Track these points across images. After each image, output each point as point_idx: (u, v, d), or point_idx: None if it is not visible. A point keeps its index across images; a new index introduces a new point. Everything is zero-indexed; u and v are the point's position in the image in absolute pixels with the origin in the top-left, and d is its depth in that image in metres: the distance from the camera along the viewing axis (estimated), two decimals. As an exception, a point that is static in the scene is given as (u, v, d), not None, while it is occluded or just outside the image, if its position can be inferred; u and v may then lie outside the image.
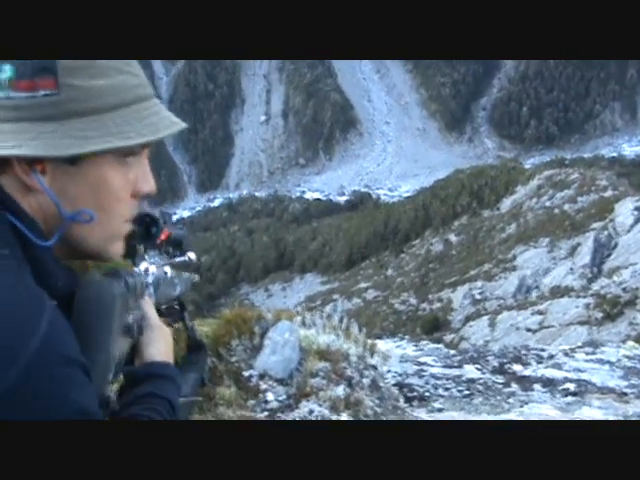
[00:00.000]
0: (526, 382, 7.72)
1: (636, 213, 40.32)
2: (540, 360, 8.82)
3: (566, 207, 51.96)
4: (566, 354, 9.28)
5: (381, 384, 5.34)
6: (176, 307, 1.86)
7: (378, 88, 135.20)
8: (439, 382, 7.45)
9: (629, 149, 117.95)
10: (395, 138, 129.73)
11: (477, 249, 56.73)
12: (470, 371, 8.06)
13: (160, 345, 1.57)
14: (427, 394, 7.01)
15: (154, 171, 1.39)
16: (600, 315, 30.69)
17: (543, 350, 9.57)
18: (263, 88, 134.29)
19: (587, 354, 9.43)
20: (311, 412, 4.33)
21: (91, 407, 1.13)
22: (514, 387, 7.52)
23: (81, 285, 1.33)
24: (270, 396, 4.51)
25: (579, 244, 42.14)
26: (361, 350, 5.57)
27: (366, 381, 5.06)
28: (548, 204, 55.11)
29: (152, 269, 1.67)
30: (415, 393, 6.97)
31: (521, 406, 6.80)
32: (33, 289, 1.14)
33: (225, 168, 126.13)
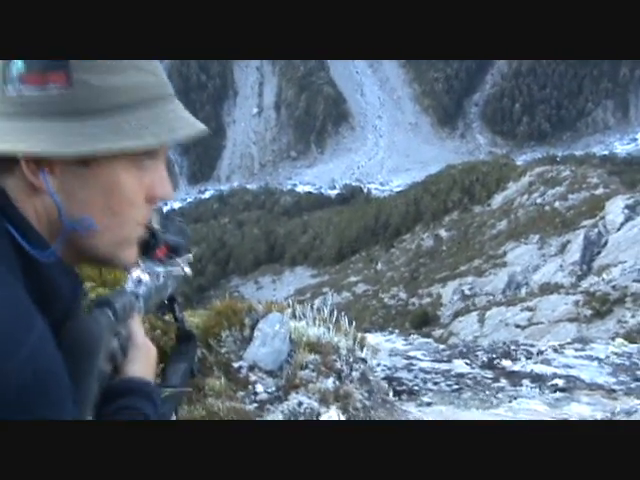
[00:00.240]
0: (515, 377, 7.74)
1: (626, 211, 40.45)
2: (529, 356, 8.85)
3: (557, 204, 52.13)
4: (555, 350, 9.30)
5: (370, 377, 5.34)
6: (165, 302, 1.82)
7: (371, 82, 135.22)
8: (428, 376, 7.46)
9: (621, 147, 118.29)
10: (387, 132, 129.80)
11: (467, 245, 56.89)
12: (459, 366, 8.08)
13: (142, 364, 1.52)
14: (416, 388, 7.01)
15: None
16: (589, 312, 30.78)
17: (532, 346, 9.59)
18: (256, 80, 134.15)
19: (576, 350, 9.45)
20: (300, 404, 4.32)
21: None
22: (503, 382, 7.54)
23: (67, 324, 1.26)
24: (259, 388, 4.50)
25: (569, 241, 42.29)
26: (351, 343, 5.57)
27: (355, 374, 5.06)
28: (539, 201, 55.29)
29: (145, 278, 1.62)
30: (404, 387, 6.98)
31: (510, 401, 6.81)
32: (25, 305, 1.09)
33: (217, 160, 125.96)
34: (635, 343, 10.93)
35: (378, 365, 6.43)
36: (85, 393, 1.29)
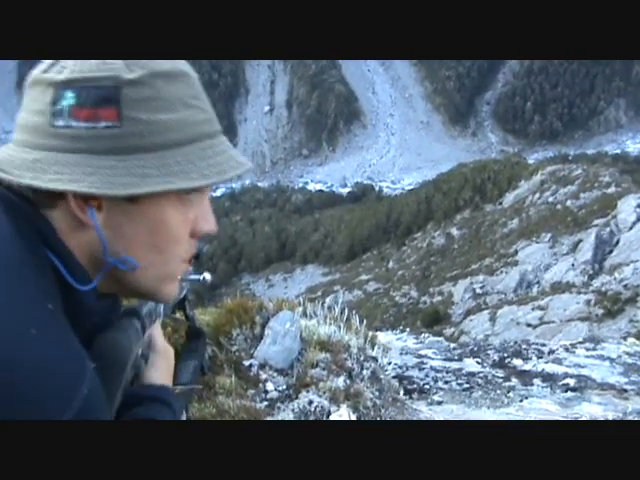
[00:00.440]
0: (526, 377, 7.72)
1: (638, 210, 40.31)
2: (540, 355, 8.82)
3: (569, 203, 51.97)
4: (566, 349, 9.27)
5: (381, 376, 5.33)
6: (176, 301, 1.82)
7: (382, 80, 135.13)
8: (439, 375, 7.45)
9: (633, 146, 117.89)
10: (399, 131, 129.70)
11: (479, 243, 56.78)
12: (470, 364, 8.07)
13: (162, 369, 1.54)
14: (427, 387, 7.01)
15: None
16: (601, 312, 30.72)
17: (544, 345, 9.57)
18: (267, 78, 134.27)
19: (587, 350, 9.42)
20: (311, 403, 4.32)
21: None
22: (514, 381, 7.52)
23: (98, 340, 1.28)
24: (270, 386, 4.51)
25: (581, 240, 42.16)
26: (362, 342, 5.56)
27: (366, 373, 5.05)
28: (551, 200, 55.13)
29: None
30: (415, 385, 6.97)
31: (521, 400, 6.80)
32: (76, 351, 1.09)
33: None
34: (647, 343, 10.87)
35: (389, 364, 6.43)
36: (112, 404, 1.30)
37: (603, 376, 8.01)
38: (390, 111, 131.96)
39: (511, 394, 7.01)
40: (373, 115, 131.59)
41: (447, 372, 7.58)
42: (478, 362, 8.18)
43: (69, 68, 1.14)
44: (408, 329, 19.71)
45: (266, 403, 4.35)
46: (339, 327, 5.46)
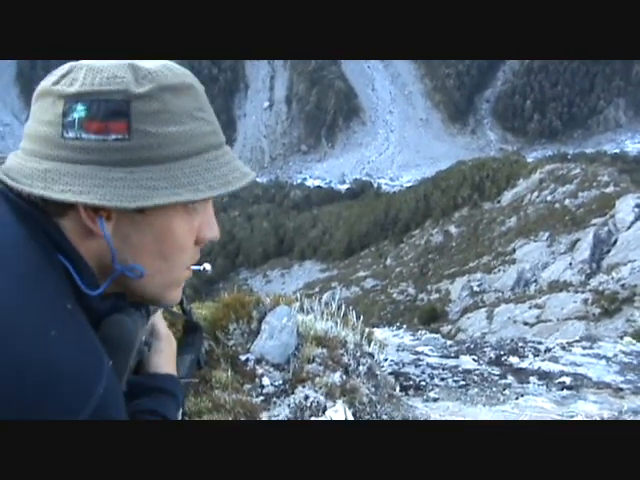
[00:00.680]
0: (522, 374, 7.73)
1: (637, 210, 40.29)
2: (537, 353, 8.83)
3: (567, 202, 51.95)
4: (563, 348, 9.28)
5: (377, 372, 5.33)
6: None
7: (382, 77, 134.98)
8: (435, 372, 7.46)
9: (632, 146, 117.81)
10: (398, 128, 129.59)
11: (477, 241, 56.76)
12: (467, 362, 8.07)
13: (165, 355, 1.58)
14: (423, 383, 7.01)
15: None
16: (598, 311, 30.73)
17: (540, 343, 9.58)
18: (267, 74, 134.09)
19: (584, 349, 9.43)
20: (307, 398, 4.32)
21: None
22: (510, 379, 7.53)
23: (104, 322, 1.30)
24: (266, 381, 4.51)
25: (579, 239, 42.14)
26: (358, 338, 5.56)
27: (363, 369, 5.05)
28: (549, 198, 55.12)
29: None
30: (411, 382, 6.98)
31: (517, 398, 6.80)
32: (94, 351, 1.13)
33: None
34: (643, 342, 10.88)
35: (385, 360, 6.42)
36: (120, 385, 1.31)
37: (599, 375, 8.02)
38: (389, 108, 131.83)
39: (507, 392, 7.01)
40: (372, 112, 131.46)
41: (443, 369, 7.59)
42: (474, 359, 8.19)
43: (80, 81, 1.17)
44: (405, 326, 19.72)
45: (262, 398, 4.36)
46: (336, 323, 5.46)
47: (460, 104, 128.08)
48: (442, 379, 7.24)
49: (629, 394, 7.36)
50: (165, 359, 1.56)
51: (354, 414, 4.49)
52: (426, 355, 8.20)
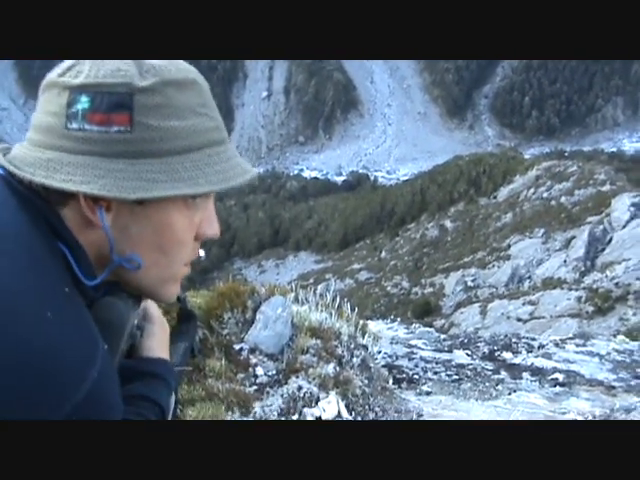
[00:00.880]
0: (515, 370, 7.73)
1: (632, 209, 40.40)
2: (530, 349, 8.84)
3: (563, 199, 52.08)
4: (556, 345, 9.29)
5: (371, 364, 5.33)
6: None
7: (381, 70, 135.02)
8: (429, 365, 7.46)
9: (629, 145, 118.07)
10: (396, 121, 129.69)
11: (472, 236, 56.90)
12: (460, 356, 8.07)
13: (157, 339, 1.58)
14: (416, 377, 7.01)
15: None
16: (591, 309, 30.83)
17: (534, 339, 9.58)
18: (266, 64, 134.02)
19: (577, 346, 9.44)
20: (300, 388, 4.32)
21: None
22: (503, 374, 7.52)
23: (97, 304, 1.31)
24: (260, 370, 4.50)
25: (574, 237, 42.25)
26: (353, 330, 5.56)
27: (356, 360, 5.05)
28: (545, 195, 55.25)
29: None
30: (404, 375, 6.97)
31: (509, 394, 6.80)
32: (89, 334, 1.14)
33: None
34: (636, 340, 10.89)
35: (379, 352, 6.42)
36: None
37: (592, 372, 8.03)
38: (388, 101, 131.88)
39: (500, 387, 7.01)
40: (371, 104, 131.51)
41: (437, 363, 7.59)
42: (468, 354, 8.19)
43: (85, 73, 1.19)
44: (399, 319, 19.77)
45: (255, 387, 4.35)
46: (330, 314, 5.46)
47: (458, 99, 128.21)
48: (435, 373, 7.24)
49: (621, 392, 7.37)
50: (158, 343, 1.56)
51: (347, 406, 4.49)
52: (420, 349, 8.20)
